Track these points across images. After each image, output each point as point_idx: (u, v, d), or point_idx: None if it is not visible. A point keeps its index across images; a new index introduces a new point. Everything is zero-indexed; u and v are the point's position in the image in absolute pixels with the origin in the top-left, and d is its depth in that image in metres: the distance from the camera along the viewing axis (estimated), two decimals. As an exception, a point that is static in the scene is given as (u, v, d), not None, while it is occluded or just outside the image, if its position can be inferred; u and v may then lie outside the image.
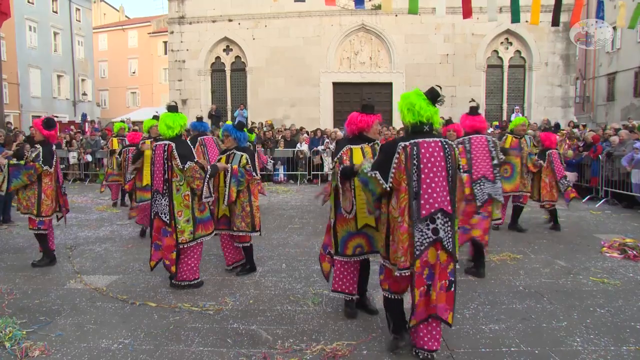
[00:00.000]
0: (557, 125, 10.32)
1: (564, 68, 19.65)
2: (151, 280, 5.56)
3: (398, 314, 3.78)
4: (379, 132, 4.51)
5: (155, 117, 8.31)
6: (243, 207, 5.49)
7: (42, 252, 6.29)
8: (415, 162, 3.45)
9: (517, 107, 19.29)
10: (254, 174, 5.54)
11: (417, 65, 19.90)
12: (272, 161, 15.22)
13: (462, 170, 4.55)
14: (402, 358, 3.66)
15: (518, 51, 20.10)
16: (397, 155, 3.48)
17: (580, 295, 5.01)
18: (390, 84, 20.25)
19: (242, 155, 5.51)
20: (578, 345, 3.84)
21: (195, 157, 5.13)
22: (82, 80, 36.73)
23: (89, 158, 16.30)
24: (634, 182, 10.30)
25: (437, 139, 3.54)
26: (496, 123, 18.12)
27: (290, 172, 15.85)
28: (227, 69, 21.59)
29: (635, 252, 6.43)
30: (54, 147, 6.33)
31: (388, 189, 3.51)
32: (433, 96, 3.58)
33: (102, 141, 16.78)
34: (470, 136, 5.83)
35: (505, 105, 20.27)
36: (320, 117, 20.35)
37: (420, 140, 3.49)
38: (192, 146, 5.51)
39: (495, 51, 20.23)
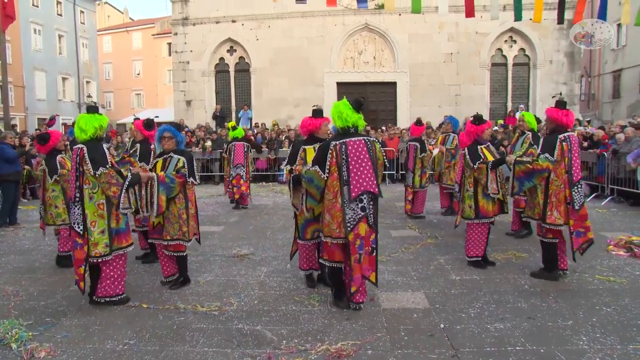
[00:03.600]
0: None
1: (569, 65, 19.54)
2: (156, 281, 5.57)
3: (338, 282, 4.67)
4: (328, 133, 5.40)
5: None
6: (179, 215, 5.13)
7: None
8: (344, 156, 4.43)
9: (521, 106, 19.19)
10: (190, 178, 5.17)
11: (421, 65, 19.85)
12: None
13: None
14: (402, 359, 3.66)
15: (522, 49, 20.00)
16: (330, 152, 4.46)
17: (586, 294, 4.98)
18: (394, 84, 20.21)
19: (178, 159, 5.14)
20: (584, 344, 3.82)
21: (109, 162, 4.65)
22: (87, 82, 36.93)
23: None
24: (640, 180, 10.25)
25: (361, 138, 4.53)
26: (501, 121, 18.05)
27: (295, 173, 15.81)
28: (231, 69, 21.59)
29: (641, 250, 6.38)
30: (152, 145, 6.48)
31: (326, 178, 4.47)
32: (358, 105, 4.52)
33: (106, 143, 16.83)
34: (569, 134, 5.35)
35: (509, 104, 20.16)
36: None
37: (347, 139, 4.48)
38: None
39: (500, 49, 20.12)
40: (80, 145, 4.64)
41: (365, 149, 4.49)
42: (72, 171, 4.69)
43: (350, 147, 4.45)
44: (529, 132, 7.34)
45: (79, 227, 4.59)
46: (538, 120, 7.68)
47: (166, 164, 5.19)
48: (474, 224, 5.92)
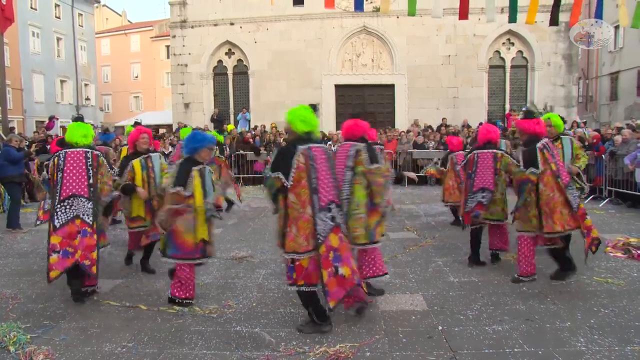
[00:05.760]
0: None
1: (567, 68, 19.58)
2: (154, 284, 5.58)
3: (316, 303, 4.21)
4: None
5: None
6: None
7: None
8: (312, 162, 4.10)
9: (525, 108, 19.17)
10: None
11: (419, 67, 19.88)
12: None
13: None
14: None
15: (520, 51, 20.05)
16: (297, 158, 4.06)
17: (584, 296, 4.99)
18: (392, 86, 20.23)
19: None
20: (582, 346, 3.83)
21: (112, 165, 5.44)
22: (85, 85, 36.88)
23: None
24: (638, 182, 10.27)
25: (320, 145, 4.29)
26: (500, 124, 18.07)
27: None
28: (230, 72, 21.61)
29: (639, 252, 6.40)
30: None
31: (289, 186, 4.05)
32: (313, 110, 4.30)
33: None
34: (545, 140, 5.32)
35: (507, 106, 20.19)
36: (323, 119, 20.30)
37: (312, 145, 4.18)
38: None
39: (497, 52, 20.17)
40: (89, 150, 5.09)
41: (325, 156, 4.26)
42: (81, 171, 5.01)
43: (315, 154, 4.16)
44: (567, 136, 6.66)
45: (88, 218, 4.95)
46: (563, 120, 7.49)
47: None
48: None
